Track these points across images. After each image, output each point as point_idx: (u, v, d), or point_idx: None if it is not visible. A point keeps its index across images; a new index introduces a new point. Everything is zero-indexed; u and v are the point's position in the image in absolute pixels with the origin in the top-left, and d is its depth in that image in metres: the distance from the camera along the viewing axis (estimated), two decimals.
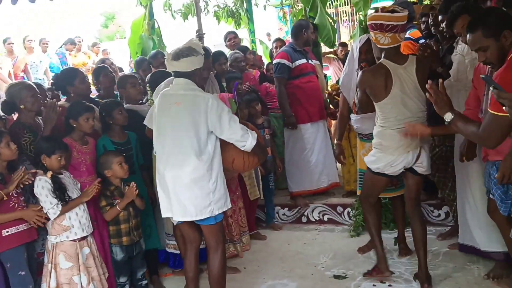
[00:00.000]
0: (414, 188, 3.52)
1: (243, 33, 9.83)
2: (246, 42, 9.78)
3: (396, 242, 4.16)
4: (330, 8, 12.07)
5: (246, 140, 3.09)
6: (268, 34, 9.66)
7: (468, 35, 2.54)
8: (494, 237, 3.43)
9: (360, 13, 8.44)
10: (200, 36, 5.01)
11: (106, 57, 6.85)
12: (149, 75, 4.54)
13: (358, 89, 3.74)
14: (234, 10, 8.59)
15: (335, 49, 8.73)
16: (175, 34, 9.69)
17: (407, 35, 4.64)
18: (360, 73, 3.47)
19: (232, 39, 6.03)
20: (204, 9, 8.00)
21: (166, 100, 3.18)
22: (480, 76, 2.17)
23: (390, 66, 3.30)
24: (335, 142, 4.27)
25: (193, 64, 3.11)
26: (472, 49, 2.63)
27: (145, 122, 3.72)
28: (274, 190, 5.24)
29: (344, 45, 8.66)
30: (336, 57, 8.47)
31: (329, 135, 5.49)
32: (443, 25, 3.79)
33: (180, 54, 3.08)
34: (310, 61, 5.18)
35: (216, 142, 3.14)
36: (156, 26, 6.87)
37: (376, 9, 3.33)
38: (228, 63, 5.06)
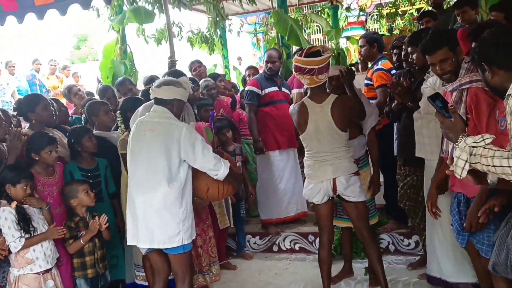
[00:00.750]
0: (354, 215, 3.64)
1: (216, 59, 9.91)
2: (219, 68, 9.85)
3: (366, 271, 4.15)
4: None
5: (218, 169, 3.16)
6: (239, 58, 9.77)
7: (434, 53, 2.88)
8: (463, 268, 3.46)
9: (332, 41, 8.67)
10: (173, 62, 4.99)
11: (73, 84, 6.70)
12: (122, 101, 4.45)
13: None
14: (208, 36, 8.64)
15: None
16: (149, 59, 9.67)
17: (379, 66, 4.77)
18: (290, 107, 3.83)
19: (197, 68, 6.00)
20: (178, 35, 7.98)
21: (141, 126, 3.23)
22: (427, 97, 2.24)
23: (308, 104, 3.58)
24: None
25: (172, 93, 3.20)
26: (433, 62, 2.92)
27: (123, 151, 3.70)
28: (245, 218, 5.18)
29: None
30: None
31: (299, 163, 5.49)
32: (414, 56, 3.86)
33: (162, 83, 3.21)
34: (282, 89, 5.20)
35: (188, 171, 3.18)
36: (128, 50, 6.83)
37: (300, 52, 3.62)
38: (200, 91, 5.04)
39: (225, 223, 4.63)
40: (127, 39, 6.91)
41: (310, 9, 10.41)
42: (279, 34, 6.81)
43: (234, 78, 9.66)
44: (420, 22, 5.57)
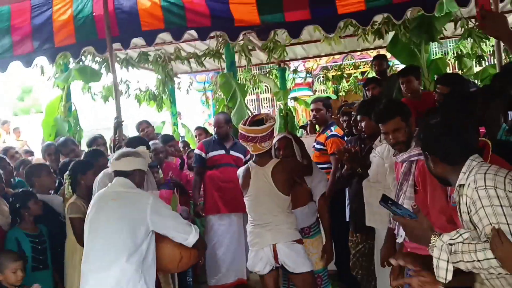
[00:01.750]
0: (300, 286, 3.58)
1: (165, 116, 9.81)
2: (168, 125, 9.74)
3: None
4: (252, 94, 12.51)
5: (189, 233, 3.01)
6: (179, 114, 9.71)
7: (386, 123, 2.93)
8: None
9: (280, 102, 8.83)
10: (118, 123, 4.82)
11: (10, 146, 6.27)
12: (72, 164, 4.13)
13: None
14: (156, 93, 8.56)
15: None
16: (96, 117, 9.42)
17: (333, 132, 4.82)
18: (238, 170, 3.90)
19: (145, 128, 5.87)
20: (125, 92, 7.86)
21: (103, 197, 3.08)
22: (379, 202, 2.16)
23: (252, 167, 3.70)
24: None
25: (133, 165, 3.11)
26: (386, 131, 2.95)
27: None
28: (192, 285, 4.94)
29: None
30: None
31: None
32: (363, 124, 3.91)
33: (121, 154, 3.15)
34: (231, 153, 5.13)
35: (151, 243, 2.98)
36: (73, 108, 6.61)
37: (245, 120, 3.76)
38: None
39: None
40: (73, 95, 6.73)
41: (259, 69, 10.61)
42: None
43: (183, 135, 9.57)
44: (366, 88, 5.74)
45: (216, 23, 4.85)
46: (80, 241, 3.68)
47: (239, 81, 10.32)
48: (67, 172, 3.92)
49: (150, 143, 5.13)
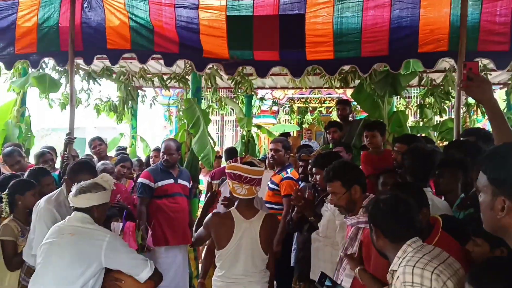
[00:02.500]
0: None
1: (124, 128, 9.59)
2: (126, 138, 9.51)
3: None
4: (217, 115, 12.43)
5: (142, 270, 2.95)
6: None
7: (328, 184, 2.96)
8: None
9: (244, 129, 8.78)
10: (70, 140, 4.64)
11: None
12: (12, 183, 3.80)
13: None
14: (117, 104, 8.32)
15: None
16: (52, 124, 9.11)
17: (289, 174, 4.78)
18: (210, 214, 3.39)
19: (97, 146, 5.68)
20: (85, 101, 7.63)
21: (59, 230, 2.99)
22: (315, 283, 2.23)
23: (236, 218, 3.24)
24: (198, 280, 4.01)
25: (90, 201, 3.01)
26: (329, 191, 2.99)
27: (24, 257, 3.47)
28: None
29: (220, 157, 8.78)
30: None
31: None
32: (317, 177, 3.90)
33: (78, 190, 3.02)
34: (179, 181, 5.01)
35: (99, 278, 2.92)
36: (26, 114, 6.35)
37: (236, 159, 3.34)
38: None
39: None
40: (28, 100, 6.47)
41: (227, 92, 10.53)
42: None
43: (141, 150, 9.35)
44: (327, 131, 5.77)
45: (184, 51, 4.79)
46: (9, 265, 3.53)
47: (206, 100, 10.28)
48: (6, 190, 3.71)
49: (99, 164, 4.97)
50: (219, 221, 3.26)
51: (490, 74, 6.05)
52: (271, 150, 5.01)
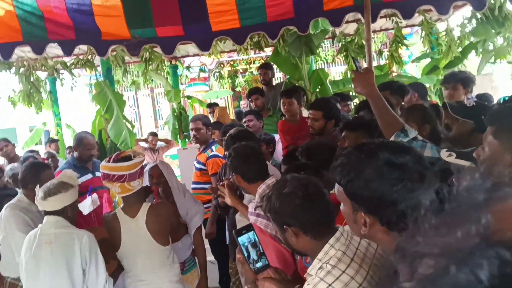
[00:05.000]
0: None
1: (47, 117, 9.08)
2: (51, 127, 9.03)
3: None
4: (146, 88, 11.98)
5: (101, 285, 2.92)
6: None
7: None
8: None
9: (173, 102, 8.51)
10: None
11: None
12: None
13: None
14: (33, 92, 7.78)
15: (146, 138, 8.54)
16: None
17: (214, 152, 4.63)
18: (103, 218, 3.30)
19: (3, 148, 5.34)
20: None
21: (35, 240, 2.94)
22: (233, 232, 2.00)
23: (121, 219, 3.12)
24: None
25: (62, 202, 2.95)
26: None
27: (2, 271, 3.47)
28: None
29: (154, 134, 8.52)
30: (147, 145, 8.26)
31: None
32: None
33: (47, 193, 2.93)
34: (97, 174, 4.76)
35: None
36: None
37: (109, 157, 3.19)
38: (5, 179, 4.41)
39: None
40: None
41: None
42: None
43: (69, 137, 8.90)
44: (250, 99, 5.63)
45: (82, 36, 4.43)
46: None
47: (132, 75, 9.82)
48: None
49: (8, 168, 4.65)
50: (107, 224, 3.15)
51: (401, 22, 6.03)
52: (191, 129, 4.83)
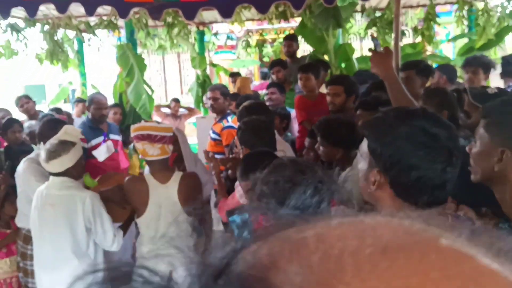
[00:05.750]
0: None
1: (72, 76, 9.14)
2: (77, 86, 9.10)
3: None
4: (173, 53, 11.91)
5: (110, 243, 3.01)
6: None
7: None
8: None
9: (197, 70, 8.44)
10: None
11: None
12: None
13: None
14: (60, 51, 7.81)
15: (169, 104, 8.52)
16: None
17: (230, 123, 4.57)
18: (126, 178, 3.20)
19: (24, 104, 5.38)
20: (23, 51, 7.13)
21: (41, 199, 3.01)
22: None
23: (150, 183, 3.04)
24: None
25: (64, 165, 2.95)
26: None
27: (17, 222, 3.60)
28: None
29: (176, 100, 8.47)
30: (169, 111, 8.25)
31: None
32: None
33: (48, 156, 2.93)
34: (111, 136, 4.78)
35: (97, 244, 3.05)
36: None
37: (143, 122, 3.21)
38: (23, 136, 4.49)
39: None
40: None
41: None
42: None
43: None
44: (272, 71, 5.52)
45: None
46: None
47: (159, 38, 9.75)
48: None
49: (26, 125, 4.71)
50: (133, 187, 3.06)
51: None
52: (209, 98, 4.77)
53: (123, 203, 3.16)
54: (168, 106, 8.43)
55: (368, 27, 6.04)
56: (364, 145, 1.37)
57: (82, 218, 2.93)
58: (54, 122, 3.78)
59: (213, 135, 4.75)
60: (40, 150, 3.53)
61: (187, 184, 3.09)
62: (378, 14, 6.05)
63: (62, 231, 2.94)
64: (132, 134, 3.08)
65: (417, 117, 1.29)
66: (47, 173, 3.13)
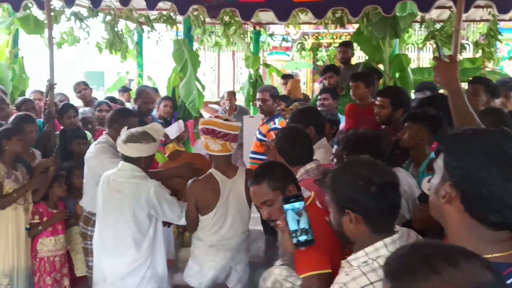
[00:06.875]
0: None
1: (129, 66, 9.41)
2: (133, 76, 9.37)
3: None
4: (228, 51, 12.04)
5: (180, 218, 3.14)
6: None
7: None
8: None
9: (250, 68, 8.50)
10: (51, 86, 4.54)
11: None
12: None
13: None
14: (118, 41, 8.06)
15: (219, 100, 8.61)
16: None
17: (276, 125, 4.58)
18: (189, 183, 3.10)
19: (81, 90, 5.56)
20: (85, 39, 7.42)
21: (108, 185, 3.13)
22: (281, 199, 1.85)
23: (219, 178, 3.05)
24: None
25: (139, 152, 3.06)
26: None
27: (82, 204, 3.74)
28: None
29: (233, 94, 8.53)
30: (219, 108, 8.33)
31: None
32: None
33: (129, 138, 3.05)
34: None
35: (157, 226, 3.16)
36: (20, 55, 6.25)
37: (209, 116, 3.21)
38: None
39: (82, 271, 4.28)
40: (24, 39, 6.35)
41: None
42: None
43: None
44: (324, 76, 5.48)
45: None
46: None
47: (216, 35, 9.88)
48: None
49: (80, 110, 4.89)
50: (203, 185, 3.03)
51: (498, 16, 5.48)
52: (258, 99, 4.81)
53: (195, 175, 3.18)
54: (217, 103, 8.53)
55: (427, 38, 5.89)
56: (439, 159, 1.37)
57: (146, 207, 3.02)
58: (127, 111, 3.95)
59: (259, 136, 4.78)
60: (105, 135, 3.70)
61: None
62: (438, 25, 5.88)
63: (126, 217, 3.03)
64: (199, 127, 3.15)
65: (495, 134, 1.30)
66: (119, 155, 3.21)
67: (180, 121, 4.81)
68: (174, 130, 5.04)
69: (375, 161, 1.70)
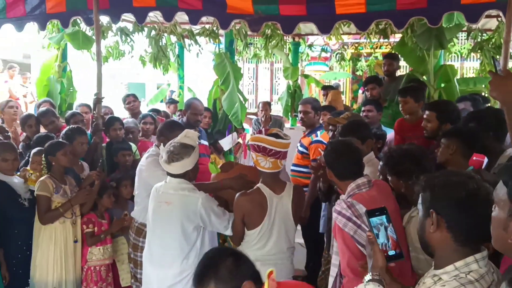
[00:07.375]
0: None
1: (170, 78, 9.58)
2: (174, 88, 9.53)
3: None
4: (266, 62, 12.08)
5: (227, 228, 3.15)
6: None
7: None
8: None
9: (289, 79, 8.51)
10: (98, 99, 4.68)
11: (10, 99, 6.28)
12: (47, 145, 3.88)
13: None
14: (162, 55, 8.24)
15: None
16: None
17: (318, 137, 4.57)
18: (237, 196, 3.14)
19: (131, 102, 5.70)
20: (129, 53, 7.63)
21: (158, 197, 3.19)
22: (365, 212, 1.93)
23: (267, 193, 3.07)
24: None
25: (184, 167, 3.10)
26: None
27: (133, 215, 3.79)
28: None
29: (269, 104, 8.54)
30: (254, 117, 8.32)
31: None
32: None
33: (171, 158, 3.06)
34: (201, 142, 4.93)
35: (204, 236, 3.19)
36: (68, 69, 6.48)
37: (260, 130, 3.21)
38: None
39: (127, 281, 4.35)
40: (71, 54, 6.58)
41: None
42: None
43: None
44: (366, 88, 5.43)
45: (208, 7, 4.56)
46: (41, 219, 3.76)
47: (255, 47, 9.95)
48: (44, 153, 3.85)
49: (124, 121, 5.01)
50: (251, 199, 3.06)
51: None
52: (300, 112, 4.79)
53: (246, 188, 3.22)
54: (256, 114, 8.56)
55: (474, 49, 5.74)
56: (500, 191, 1.30)
57: (194, 218, 3.06)
58: (175, 124, 4.01)
59: (300, 148, 4.76)
60: (154, 147, 3.77)
61: (298, 195, 3.20)
62: (485, 35, 5.72)
63: (174, 229, 3.07)
64: (250, 143, 3.19)
65: None
66: None
67: (234, 133, 4.88)
68: (228, 141, 5.13)
69: (474, 175, 1.67)
